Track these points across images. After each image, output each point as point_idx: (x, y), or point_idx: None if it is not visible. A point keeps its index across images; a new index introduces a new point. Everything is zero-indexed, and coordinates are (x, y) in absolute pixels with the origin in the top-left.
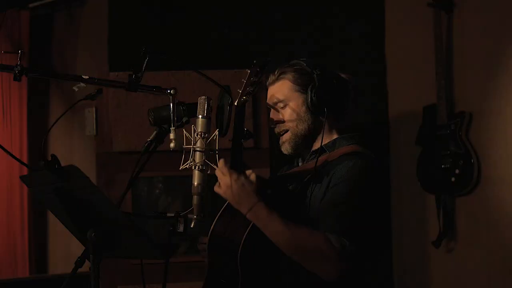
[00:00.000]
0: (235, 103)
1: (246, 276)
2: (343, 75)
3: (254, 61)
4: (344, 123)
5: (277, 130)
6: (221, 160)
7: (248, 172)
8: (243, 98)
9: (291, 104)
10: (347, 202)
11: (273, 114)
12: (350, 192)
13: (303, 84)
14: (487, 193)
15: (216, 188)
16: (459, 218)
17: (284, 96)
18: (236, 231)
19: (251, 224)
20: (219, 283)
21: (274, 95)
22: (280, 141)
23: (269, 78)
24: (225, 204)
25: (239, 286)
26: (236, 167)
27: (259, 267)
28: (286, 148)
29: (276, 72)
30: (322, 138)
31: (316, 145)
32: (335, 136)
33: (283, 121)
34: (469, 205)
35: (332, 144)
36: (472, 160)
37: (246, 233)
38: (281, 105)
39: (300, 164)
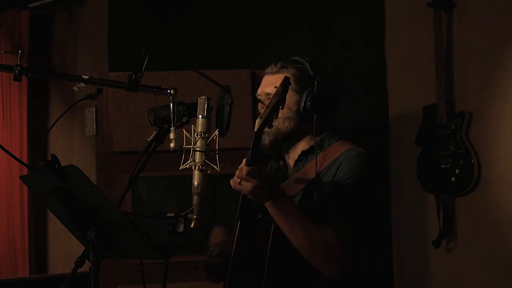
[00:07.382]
0: (255, 130)
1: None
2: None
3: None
4: (329, 123)
5: None
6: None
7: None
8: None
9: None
10: (353, 199)
11: (261, 107)
12: (355, 188)
13: (301, 85)
14: (487, 193)
15: (235, 185)
16: (459, 218)
17: None
18: (259, 246)
19: (271, 236)
20: None
21: (269, 86)
22: None
23: (269, 68)
24: (237, 225)
25: None
26: None
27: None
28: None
29: (278, 64)
30: (315, 141)
31: (301, 147)
32: (320, 136)
33: None
34: (469, 205)
35: (321, 143)
36: (472, 160)
37: (270, 243)
38: None
39: (285, 163)
